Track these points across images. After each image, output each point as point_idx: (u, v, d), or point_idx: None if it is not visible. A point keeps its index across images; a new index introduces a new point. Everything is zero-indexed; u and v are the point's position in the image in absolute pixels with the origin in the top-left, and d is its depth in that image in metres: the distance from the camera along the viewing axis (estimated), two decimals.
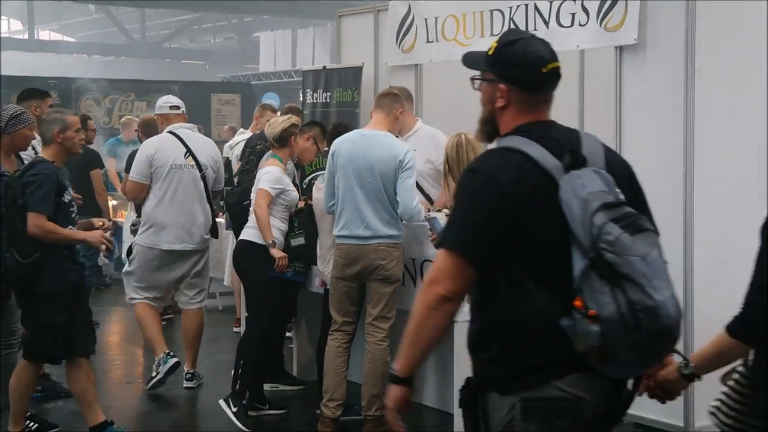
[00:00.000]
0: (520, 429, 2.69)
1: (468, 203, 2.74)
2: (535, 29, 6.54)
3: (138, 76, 28.07)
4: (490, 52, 2.83)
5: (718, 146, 5.59)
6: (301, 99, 9.88)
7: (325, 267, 6.05)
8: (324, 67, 9.28)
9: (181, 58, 41.69)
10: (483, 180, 2.71)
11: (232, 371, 6.31)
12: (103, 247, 5.64)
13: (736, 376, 3.02)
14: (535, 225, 2.68)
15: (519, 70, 2.79)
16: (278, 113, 9.31)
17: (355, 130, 6.06)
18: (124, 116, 14.18)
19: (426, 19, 7.54)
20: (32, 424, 5.82)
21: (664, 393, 2.98)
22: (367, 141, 5.70)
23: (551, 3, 6.39)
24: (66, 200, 5.36)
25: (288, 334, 7.27)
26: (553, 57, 2.81)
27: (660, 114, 5.73)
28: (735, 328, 2.84)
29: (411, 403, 2.89)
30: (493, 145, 2.87)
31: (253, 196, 6.34)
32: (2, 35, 38.05)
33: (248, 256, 6.29)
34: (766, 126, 5.62)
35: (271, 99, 21.03)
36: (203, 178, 6.87)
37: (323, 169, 6.24)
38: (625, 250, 2.56)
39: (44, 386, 6.42)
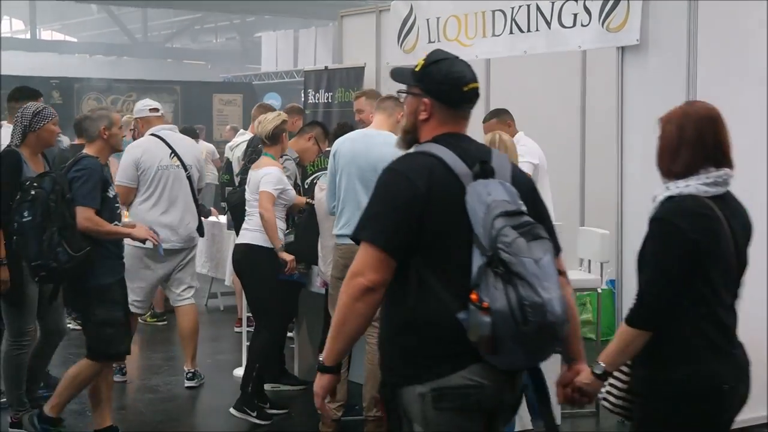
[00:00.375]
0: (434, 417, 2.91)
1: (385, 199, 2.97)
2: (537, 30, 6.54)
3: (140, 76, 28.10)
4: (418, 69, 3.09)
5: None
6: (302, 99, 9.88)
7: (327, 267, 6.04)
8: (326, 68, 9.28)
9: (182, 58, 41.72)
10: (399, 178, 2.95)
11: (242, 374, 6.33)
12: (149, 242, 5.74)
13: (629, 362, 3.23)
14: (442, 224, 2.91)
15: (443, 86, 3.05)
16: None
17: (357, 130, 6.05)
18: (126, 116, 14.19)
19: (428, 20, 7.54)
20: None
21: (582, 396, 3.19)
22: (369, 140, 5.69)
23: (553, 3, 6.39)
24: (111, 195, 5.41)
25: (289, 334, 7.27)
26: (473, 78, 3.09)
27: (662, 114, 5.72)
28: (633, 318, 3.14)
29: (335, 390, 3.08)
30: (412, 150, 3.10)
31: (249, 196, 6.32)
32: (5, 35, 38.05)
33: (255, 260, 6.25)
34: (766, 126, 5.62)
35: (273, 99, 21.04)
36: (188, 177, 6.93)
37: (325, 169, 6.22)
38: (519, 252, 2.81)
39: (46, 383, 6.42)
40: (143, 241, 5.77)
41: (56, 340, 6.11)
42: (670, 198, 3.16)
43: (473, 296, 2.82)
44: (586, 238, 7.76)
